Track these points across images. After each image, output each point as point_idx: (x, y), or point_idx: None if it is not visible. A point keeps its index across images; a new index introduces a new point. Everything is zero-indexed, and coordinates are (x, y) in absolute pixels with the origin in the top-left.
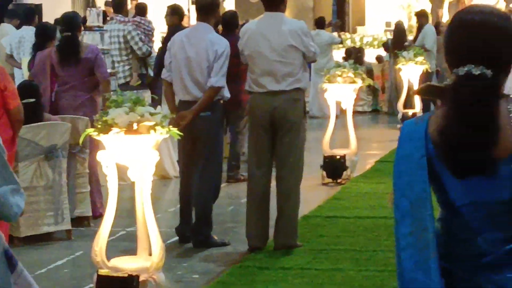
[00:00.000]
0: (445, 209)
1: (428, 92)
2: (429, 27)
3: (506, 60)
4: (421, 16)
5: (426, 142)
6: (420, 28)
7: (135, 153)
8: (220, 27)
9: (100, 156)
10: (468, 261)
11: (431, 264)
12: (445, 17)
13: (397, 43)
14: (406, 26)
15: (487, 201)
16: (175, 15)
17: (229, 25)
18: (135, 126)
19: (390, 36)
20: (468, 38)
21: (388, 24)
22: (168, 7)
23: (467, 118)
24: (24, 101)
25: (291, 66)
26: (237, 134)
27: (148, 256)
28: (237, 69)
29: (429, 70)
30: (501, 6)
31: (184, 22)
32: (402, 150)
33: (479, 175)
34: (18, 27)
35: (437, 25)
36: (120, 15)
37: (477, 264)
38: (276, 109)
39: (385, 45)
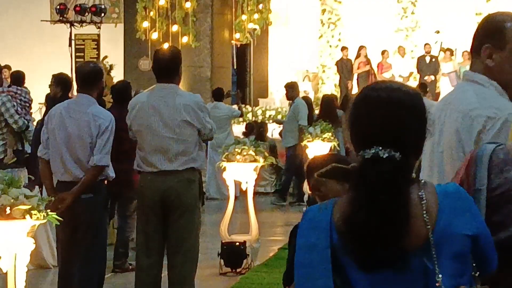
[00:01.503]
0: None
1: (334, 175)
2: (300, 101)
3: (415, 142)
4: (289, 88)
5: (330, 231)
6: (290, 102)
7: (7, 241)
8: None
9: None
10: None
11: None
12: (355, 89)
13: None
14: (312, 98)
15: None
16: (58, 85)
17: (120, 97)
18: (8, 210)
19: None
20: (374, 117)
21: None
22: (53, 76)
23: (375, 205)
24: None
25: (185, 144)
26: (126, 218)
27: None
28: (129, 145)
29: (338, 148)
30: (416, 78)
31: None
32: (304, 240)
33: (388, 269)
34: None
35: (345, 98)
36: None
37: None
38: (168, 191)
39: None
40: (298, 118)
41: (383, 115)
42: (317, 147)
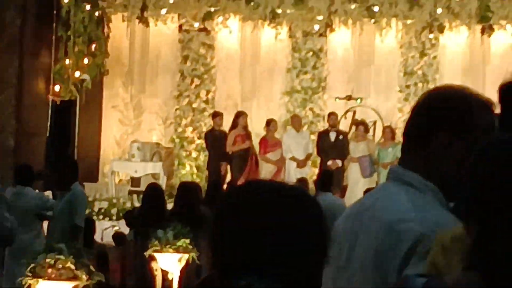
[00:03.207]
0: None
1: None
2: (78, 189)
3: (306, 267)
4: (64, 166)
5: None
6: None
7: None
8: None
9: None
10: None
11: None
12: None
13: (150, 213)
14: (164, 185)
15: None
16: None
17: None
18: None
19: (137, 202)
20: (244, 233)
21: (135, 182)
22: None
23: None
24: None
25: None
26: None
27: None
28: None
29: (198, 261)
30: (316, 162)
31: None
32: None
33: None
34: None
35: (213, 188)
36: None
37: None
38: None
39: (129, 216)
40: (75, 214)
41: (256, 230)
42: (168, 260)
